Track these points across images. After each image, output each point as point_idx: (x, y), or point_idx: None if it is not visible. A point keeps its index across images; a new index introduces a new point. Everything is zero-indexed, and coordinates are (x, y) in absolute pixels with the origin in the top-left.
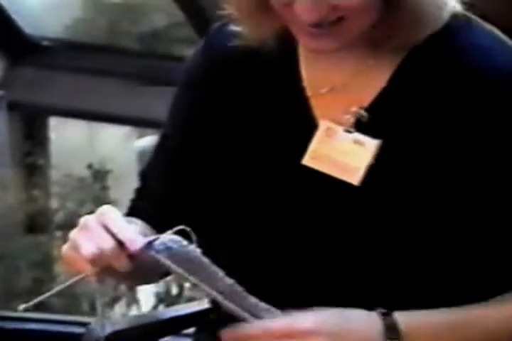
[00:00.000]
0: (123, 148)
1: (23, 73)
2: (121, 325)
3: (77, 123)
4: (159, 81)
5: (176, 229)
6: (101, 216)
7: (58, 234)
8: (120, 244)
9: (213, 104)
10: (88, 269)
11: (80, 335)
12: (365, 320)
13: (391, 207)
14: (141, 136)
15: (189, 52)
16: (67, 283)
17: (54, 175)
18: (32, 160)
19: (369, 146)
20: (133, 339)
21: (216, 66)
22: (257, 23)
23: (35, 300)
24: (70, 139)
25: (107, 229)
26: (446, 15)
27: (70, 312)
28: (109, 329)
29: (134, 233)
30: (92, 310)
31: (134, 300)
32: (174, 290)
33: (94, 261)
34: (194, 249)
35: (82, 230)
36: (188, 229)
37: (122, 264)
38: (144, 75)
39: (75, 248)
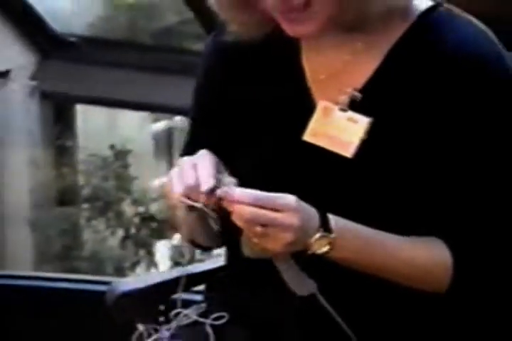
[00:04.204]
0: (140, 131)
1: (53, 66)
2: (138, 284)
3: (100, 110)
4: (172, 71)
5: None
6: (195, 157)
7: (85, 206)
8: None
9: (223, 88)
10: (178, 204)
11: (103, 293)
12: (312, 210)
13: (380, 175)
14: (156, 120)
15: (198, 46)
16: None
17: (80, 154)
18: (61, 142)
19: (361, 123)
20: (149, 295)
21: (225, 55)
22: (242, 20)
23: None
24: (94, 124)
25: (195, 168)
26: None
27: (96, 274)
28: (128, 287)
29: (208, 174)
30: (116, 272)
31: (152, 264)
32: (187, 254)
33: (184, 196)
34: None
35: (178, 169)
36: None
37: (199, 198)
38: (159, 67)
39: (170, 184)
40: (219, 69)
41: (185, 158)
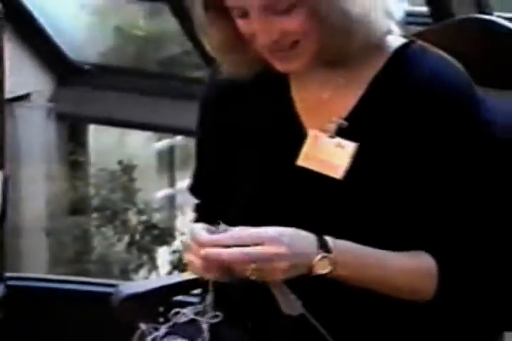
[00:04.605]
0: (145, 149)
1: (69, 90)
2: (141, 287)
3: (110, 130)
4: (174, 96)
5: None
6: (191, 235)
7: (95, 215)
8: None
9: (219, 119)
10: (207, 275)
11: (110, 294)
12: (307, 235)
13: (367, 194)
14: (159, 139)
15: (197, 74)
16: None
17: (91, 169)
18: (74, 157)
19: (348, 148)
20: (152, 297)
21: (221, 89)
22: (234, 60)
23: None
24: (104, 141)
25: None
26: (380, 32)
27: (104, 276)
28: (131, 290)
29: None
30: (122, 274)
31: (154, 267)
32: (185, 259)
33: (208, 268)
34: None
35: (187, 250)
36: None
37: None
38: (162, 92)
39: (191, 264)
40: (215, 101)
41: (186, 238)
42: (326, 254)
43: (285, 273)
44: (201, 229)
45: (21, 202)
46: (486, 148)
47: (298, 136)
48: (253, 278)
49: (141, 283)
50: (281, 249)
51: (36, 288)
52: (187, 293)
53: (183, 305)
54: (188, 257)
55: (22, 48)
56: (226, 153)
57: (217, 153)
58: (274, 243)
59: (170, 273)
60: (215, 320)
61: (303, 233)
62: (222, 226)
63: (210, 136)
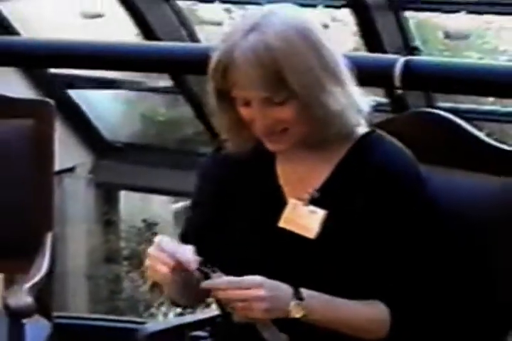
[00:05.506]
0: (165, 209)
1: (105, 164)
2: (162, 325)
3: (136, 195)
4: (188, 168)
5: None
6: (159, 246)
7: (125, 263)
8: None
9: (219, 193)
10: (168, 279)
11: (136, 330)
12: (285, 286)
13: (335, 251)
14: (175, 201)
15: (207, 150)
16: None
17: (122, 226)
18: (108, 217)
19: (319, 214)
20: (171, 334)
21: (220, 167)
22: (235, 138)
23: None
24: (132, 204)
25: (167, 253)
26: (351, 124)
27: (132, 311)
28: (155, 328)
29: (190, 254)
30: (145, 311)
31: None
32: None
33: (168, 275)
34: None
35: (151, 259)
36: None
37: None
38: (179, 165)
39: (155, 269)
40: (213, 171)
41: (153, 250)
42: (299, 302)
43: (266, 313)
44: (169, 242)
45: (67, 254)
46: (428, 217)
47: (280, 203)
48: (241, 318)
49: (163, 322)
50: (262, 292)
51: (78, 325)
52: (201, 328)
53: (198, 339)
54: (156, 265)
55: (69, 130)
56: (218, 214)
57: (211, 214)
58: (257, 287)
59: (184, 309)
60: None
61: (282, 284)
62: (218, 273)
63: (206, 200)
